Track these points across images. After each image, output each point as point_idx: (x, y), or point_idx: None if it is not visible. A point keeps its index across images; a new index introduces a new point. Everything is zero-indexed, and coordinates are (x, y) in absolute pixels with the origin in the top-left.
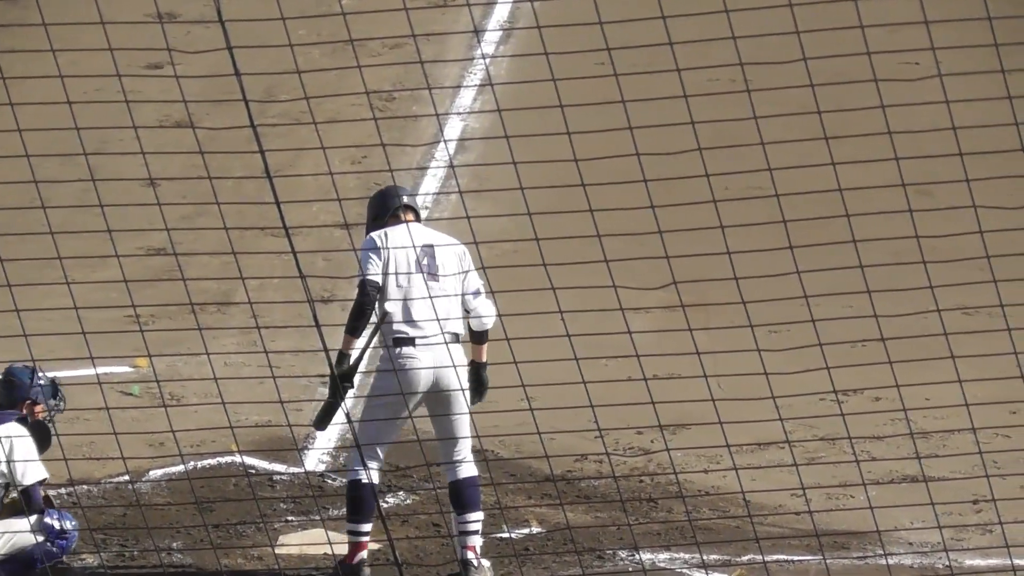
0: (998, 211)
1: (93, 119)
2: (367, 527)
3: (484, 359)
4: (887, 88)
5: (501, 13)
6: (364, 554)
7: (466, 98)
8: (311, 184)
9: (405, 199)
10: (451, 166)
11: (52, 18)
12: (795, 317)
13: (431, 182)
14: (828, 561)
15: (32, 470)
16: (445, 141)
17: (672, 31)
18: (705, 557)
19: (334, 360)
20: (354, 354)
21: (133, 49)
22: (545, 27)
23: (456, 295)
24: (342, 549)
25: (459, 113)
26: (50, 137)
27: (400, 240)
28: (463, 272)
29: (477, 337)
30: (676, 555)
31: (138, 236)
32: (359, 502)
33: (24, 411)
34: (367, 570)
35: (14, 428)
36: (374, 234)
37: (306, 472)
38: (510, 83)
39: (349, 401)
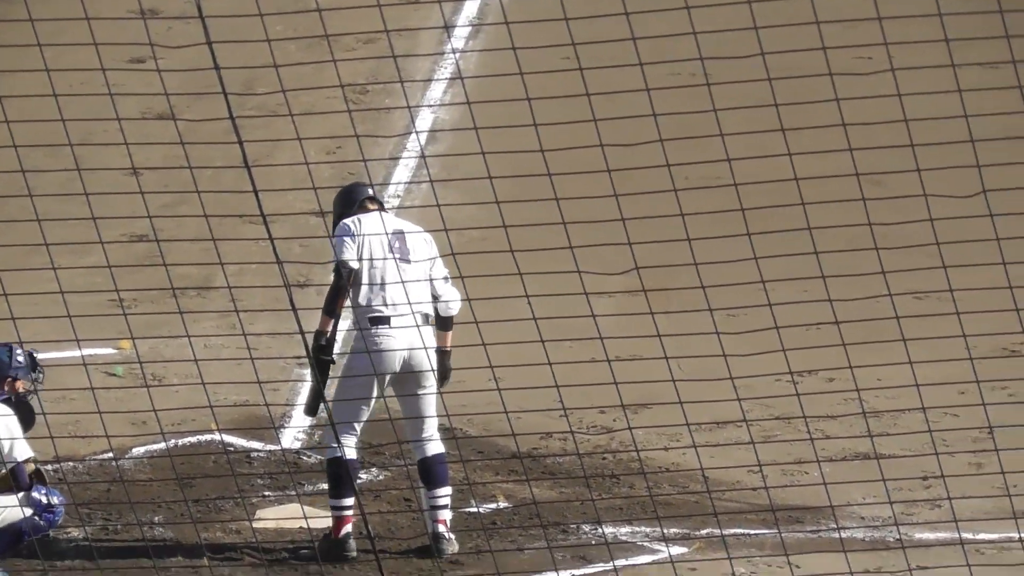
0: (947, 200)
1: (78, 111)
2: (349, 501)
3: (449, 346)
4: (841, 82)
5: (470, 9)
6: (349, 527)
7: (437, 91)
8: (287, 174)
9: (369, 192)
10: (422, 156)
11: (38, 14)
12: (752, 301)
13: (403, 172)
14: (783, 535)
15: (18, 449)
16: (416, 132)
17: (635, 27)
18: (665, 531)
19: (311, 340)
20: (330, 332)
21: (117, 44)
22: (513, 23)
23: (426, 279)
24: (317, 524)
25: (430, 105)
26: (36, 128)
27: (373, 226)
28: (431, 257)
29: (443, 323)
30: (637, 529)
31: (122, 223)
32: (338, 478)
33: (6, 389)
34: (352, 543)
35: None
36: (347, 220)
37: (282, 449)
38: (479, 77)
39: (330, 379)
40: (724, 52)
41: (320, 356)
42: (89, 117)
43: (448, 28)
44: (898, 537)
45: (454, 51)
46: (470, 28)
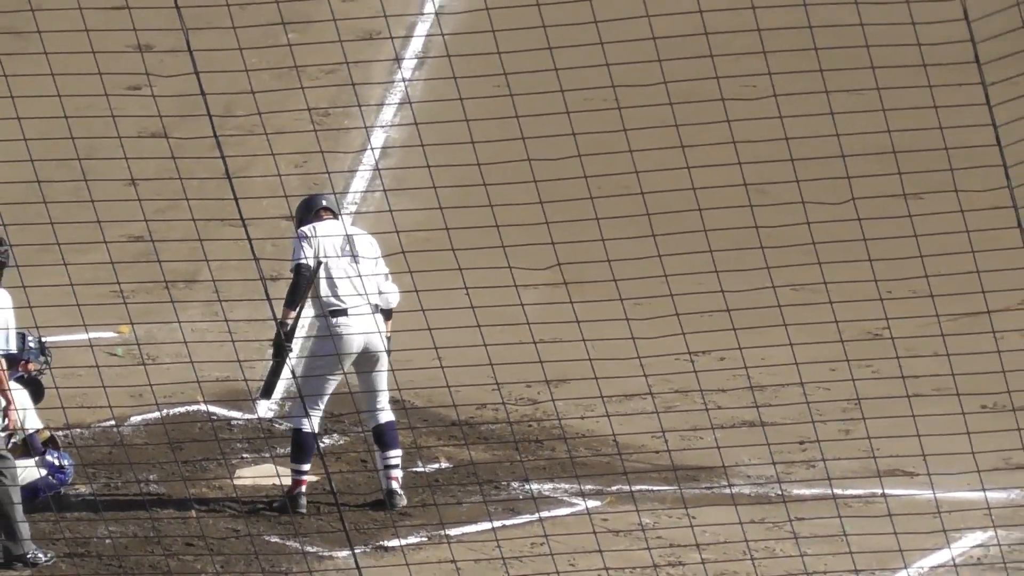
0: (821, 206)
1: (84, 130)
2: (306, 467)
3: (388, 332)
4: (731, 106)
5: (416, 45)
6: (303, 487)
7: (388, 114)
8: (262, 184)
9: (324, 202)
10: (376, 169)
11: (50, 49)
12: (656, 292)
13: (360, 182)
14: (682, 490)
15: (30, 420)
16: (372, 148)
17: (556, 59)
18: (582, 487)
19: (274, 329)
20: (290, 323)
21: (116, 73)
22: (453, 56)
23: (374, 275)
24: (287, 481)
25: (382, 126)
26: (49, 145)
27: (326, 231)
28: (376, 257)
29: (384, 314)
30: (558, 485)
31: (121, 226)
32: (299, 446)
33: (21, 370)
34: (303, 500)
35: (14, 386)
36: (304, 227)
37: (258, 418)
38: (424, 101)
39: (291, 361)
40: (632, 81)
41: (281, 343)
42: (93, 135)
43: (398, 60)
44: (779, 493)
45: (403, 80)
46: (416, 60)
